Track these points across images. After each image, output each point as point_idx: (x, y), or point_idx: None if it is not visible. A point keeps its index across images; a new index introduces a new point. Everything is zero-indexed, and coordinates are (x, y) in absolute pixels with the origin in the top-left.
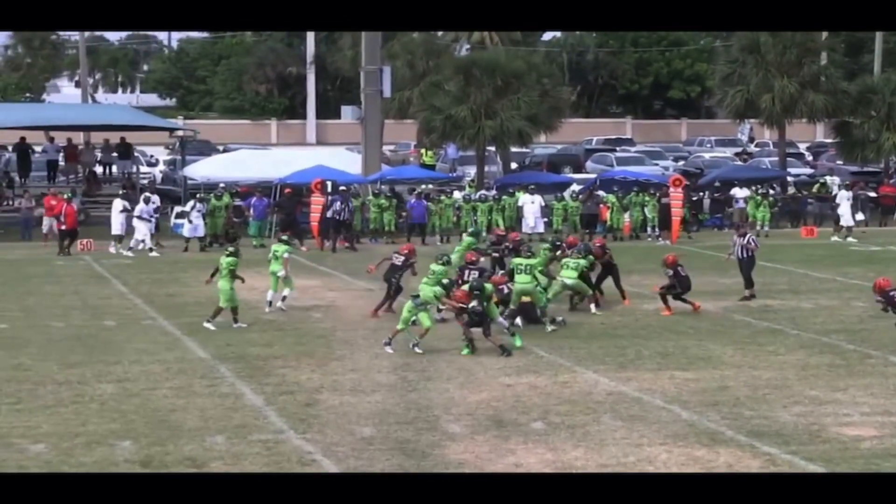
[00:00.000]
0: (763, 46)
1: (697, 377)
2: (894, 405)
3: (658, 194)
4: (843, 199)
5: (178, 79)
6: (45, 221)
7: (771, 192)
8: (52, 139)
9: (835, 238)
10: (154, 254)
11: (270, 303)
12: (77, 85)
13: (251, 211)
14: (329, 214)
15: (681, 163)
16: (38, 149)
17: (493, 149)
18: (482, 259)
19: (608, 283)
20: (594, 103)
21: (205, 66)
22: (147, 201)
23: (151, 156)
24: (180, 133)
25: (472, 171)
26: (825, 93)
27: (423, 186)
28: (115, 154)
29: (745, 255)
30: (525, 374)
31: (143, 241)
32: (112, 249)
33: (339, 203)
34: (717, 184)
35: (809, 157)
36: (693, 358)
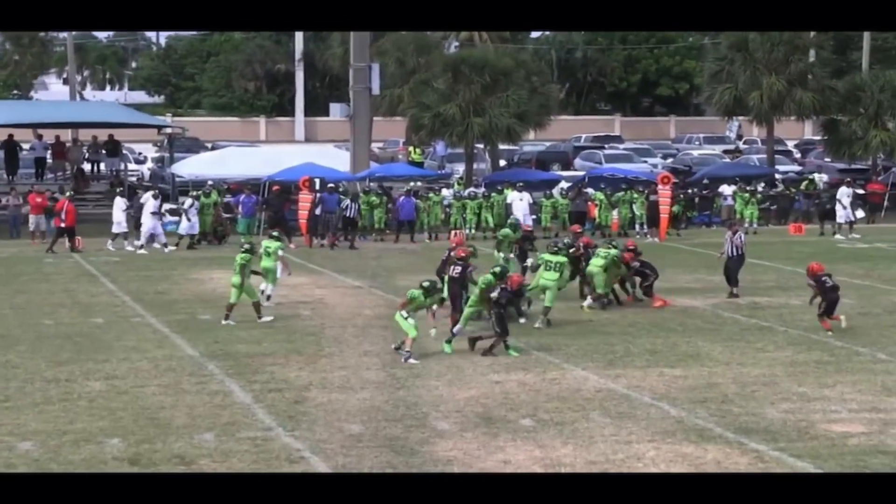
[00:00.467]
0: (751, 44)
1: (686, 374)
2: (882, 402)
3: (646, 192)
4: (844, 196)
5: (166, 76)
6: (32, 219)
7: (759, 189)
8: (40, 136)
9: (838, 235)
10: (143, 252)
11: (269, 297)
12: (65, 82)
13: (240, 208)
14: (320, 212)
15: (669, 160)
16: (25, 146)
17: (481, 146)
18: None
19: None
20: (583, 100)
21: (193, 64)
22: (156, 197)
23: (140, 153)
24: (168, 130)
25: (460, 168)
26: (813, 90)
27: (412, 184)
28: (103, 151)
29: (735, 253)
30: (514, 372)
31: (157, 235)
32: (111, 247)
33: (349, 202)
34: (705, 181)
35: (797, 155)
36: (682, 355)
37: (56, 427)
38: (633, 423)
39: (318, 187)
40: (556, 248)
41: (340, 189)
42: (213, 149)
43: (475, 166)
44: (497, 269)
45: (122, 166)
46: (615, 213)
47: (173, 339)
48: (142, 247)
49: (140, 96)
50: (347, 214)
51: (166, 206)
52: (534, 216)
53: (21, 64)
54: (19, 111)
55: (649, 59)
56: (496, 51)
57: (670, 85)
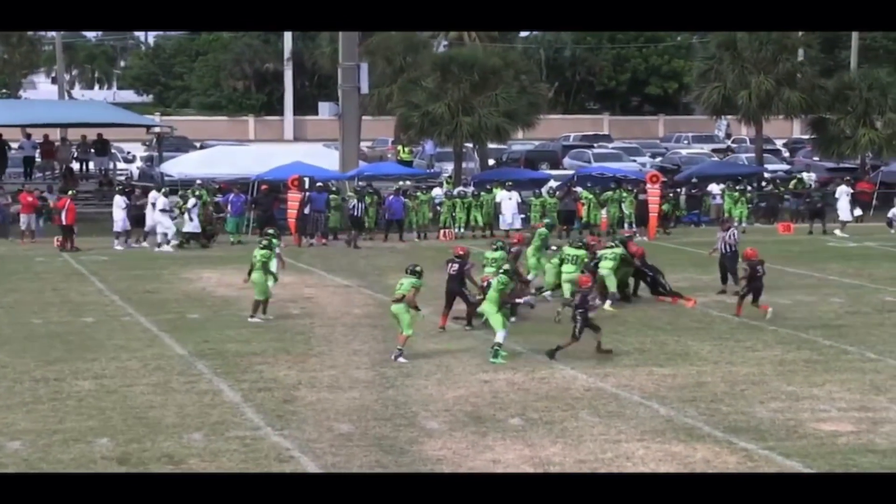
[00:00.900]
0: (740, 43)
1: (675, 373)
2: (871, 401)
3: (635, 190)
4: (843, 195)
5: (154, 75)
6: (23, 218)
7: (748, 188)
8: (28, 135)
9: (838, 232)
10: (144, 244)
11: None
12: (54, 81)
13: (229, 207)
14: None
15: (658, 159)
16: (14, 145)
17: (470, 145)
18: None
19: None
20: (571, 100)
21: (182, 63)
22: (167, 195)
23: (128, 152)
24: (157, 129)
25: (449, 167)
26: (801, 89)
27: (401, 183)
28: (91, 151)
29: (728, 250)
30: (503, 371)
31: (168, 233)
32: (118, 247)
33: (355, 201)
34: (694, 180)
35: (786, 154)
36: (671, 354)
37: (45, 426)
38: (622, 423)
39: (307, 186)
40: (579, 243)
41: (334, 188)
42: (201, 148)
43: (464, 165)
44: (506, 268)
45: (111, 165)
46: (604, 212)
47: (163, 338)
48: (159, 245)
49: (129, 95)
50: (354, 214)
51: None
52: (523, 215)
53: (9, 63)
54: (8, 110)
55: (638, 58)
56: (485, 50)
57: (659, 84)
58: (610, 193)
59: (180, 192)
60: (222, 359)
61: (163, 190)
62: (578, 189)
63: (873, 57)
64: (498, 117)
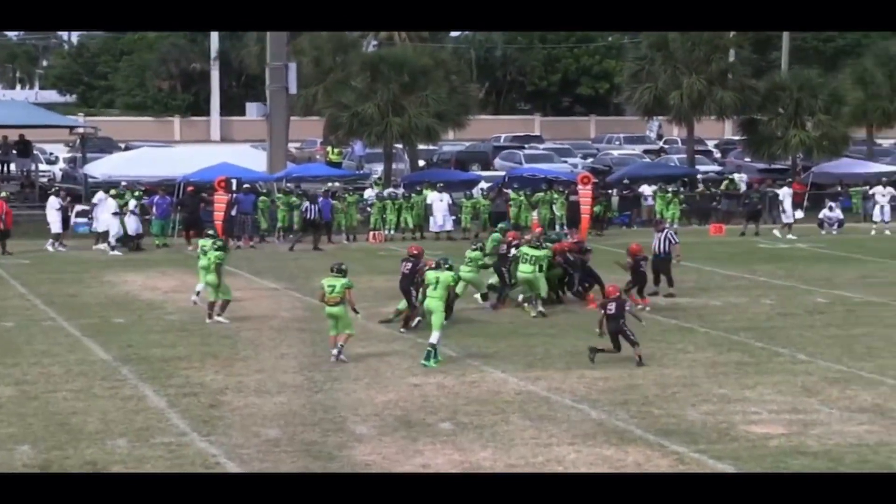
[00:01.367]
0: (671, 43)
1: (606, 376)
2: (802, 403)
3: (566, 192)
4: (786, 196)
5: (78, 75)
6: None
7: (680, 189)
8: None
9: (776, 233)
10: (116, 252)
11: (199, 293)
12: None
13: (154, 209)
14: (307, 215)
15: (589, 160)
16: None
17: (400, 146)
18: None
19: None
20: (502, 100)
21: (106, 62)
22: (115, 197)
23: (51, 153)
24: (81, 130)
25: (379, 168)
26: (733, 89)
27: (330, 185)
28: (13, 152)
29: (662, 252)
30: (433, 374)
31: (111, 236)
32: (50, 248)
33: (307, 203)
34: (625, 181)
35: (718, 155)
36: (602, 356)
37: None
38: (553, 426)
39: (234, 188)
40: (538, 243)
41: (263, 190)
42: (126, 149)
43: (394, 166)
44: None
45: (34, 167)
46: (535, 213)
47: (85, 342)
48: (113, 248)
49: (51, 95)
50: (308, 216)
51: (78, 207)
52: (454, 217)
53: None
54: None
55: (569, 58)
56: (415, 49)
57: (590, 84)
58: (541, 195)
59: (112, 192)
60: (147, 363)
61: (111, 192)
62: (509, 190)
63: (804, 57)
64: (428, 118)
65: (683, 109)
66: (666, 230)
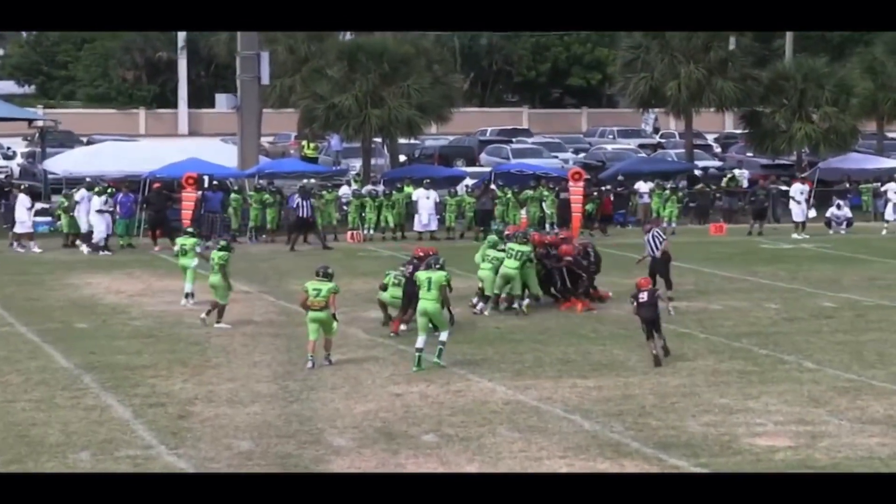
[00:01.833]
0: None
1: (600, 385)
2: (809, 414)
3: (557, 189)
4: (797, 194)
5: (37, 64)
6: None
7: (679, 186)
8: None
9: (795, 235)
10: (107, 253)
11: (192, 294)
12: None
13: (118, 208)
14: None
15: (581, 155)
16: None
17: (379, 140)
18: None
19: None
20: (488, 91)
21: (67, 51)
22: (100, 194)
23: (8, 148)
24: (40, 123)
25: (357, 164)
26: (734, 79)
27: (305, 181)
28: None
29: (654, 253)
30: (416, 383)
31: (99, 237)
32: (20, 249)
33: (299, 200)
34: (620, 177)
35: (718, 149)
36: (596, 364)
37: None
38: (543, 438)
39: (206, 185)
40: (524, 239)
41: (235, 187)
42: (88, 143)
43: (373, 162)
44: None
45: None
46: (523, 212)
47: (46, 349)
48: (103, 248)
49: (8, 86)
50: (300, 214)
51: (38, 205)
52: (438, 216)
53: None
54: None
55: (559, 46)
56: (395, 38)
57: (582, 74)
58: (530, 192)
59: (96, 189)
60: (111, 372)
61: (96, 189)
62: (496, 187)
63: (809, 45)
64: (409, 110)
65: (681, 101)
66: (653, 230)
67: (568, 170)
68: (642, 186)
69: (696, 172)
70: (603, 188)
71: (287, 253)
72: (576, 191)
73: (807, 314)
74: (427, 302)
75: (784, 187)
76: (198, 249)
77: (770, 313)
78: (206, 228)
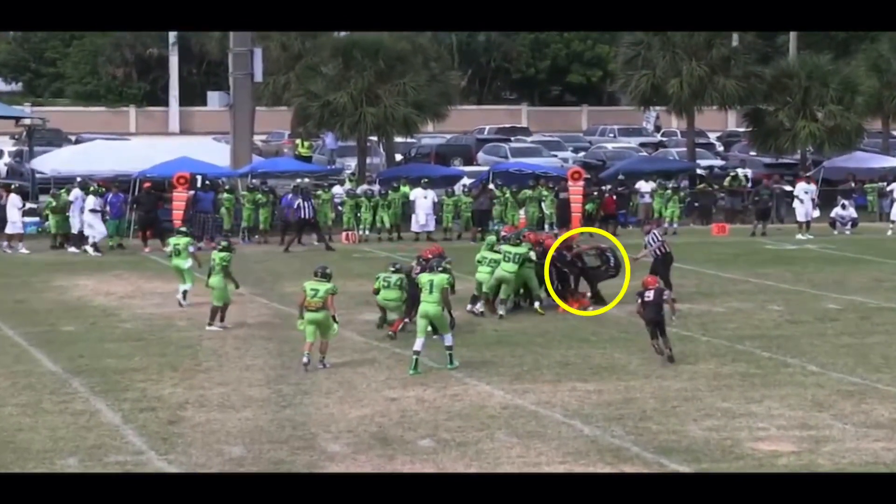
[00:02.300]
0: None
1: (600, 389)
2: (813, 418)
3: (556, 188)
4: (802, 192)
5: (24, 61)
6: None
7: (681, 185)
8: None
9: (799, 236)
10: (97, 254)
11: (185, 294)
12: None
13: (108, 208)
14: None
15: (581, 154)
16: None
17: (375, 139)
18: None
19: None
20: (486, 89)
21: (55, 48)
22: (97, 194)
23: None
24: (27, 122)
25: (352, 163)
26: (737, 77)
27: (299, 181)
28: None
29: (659, 254)
30: (412, 387)
31: (96, 236)
32: (8, 250)
33: (301, 201)
34: (620, 177)
35: (720, 148)
36: (596, 367)
37: None
38: (542, 443)
39: (199, 185)
40: (517, 240)
41: (227, 187)
42: (77, 142)
43: (368, 161)
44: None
45: None
46: (522, 212)
47: (33, 353)
48: (95, 247)
49: None
50: (302, 215)
51: (26, 205)
52: (435, 216)
53: None
54: None
55: (559, 43)
56: (390, 34)
57: (582, 72)
58: (528, 192)
59: (52, 192)
60: (100, 375)
61: (92, 189)
62: (494, 187)
63: (813, 42)
64: (405, 108)
65: (683, 99)
66: (652, 232)
67: (567, 169)
68: (643, 186)
69: (702, 172)
70: (603, 188)
71: (281, 254)
72: (575, 190)
73: (811, 316)
74: (429, 305)
75: (788, 187)
76: (191, 249)
77: (773, 315)
78: (197, 229)
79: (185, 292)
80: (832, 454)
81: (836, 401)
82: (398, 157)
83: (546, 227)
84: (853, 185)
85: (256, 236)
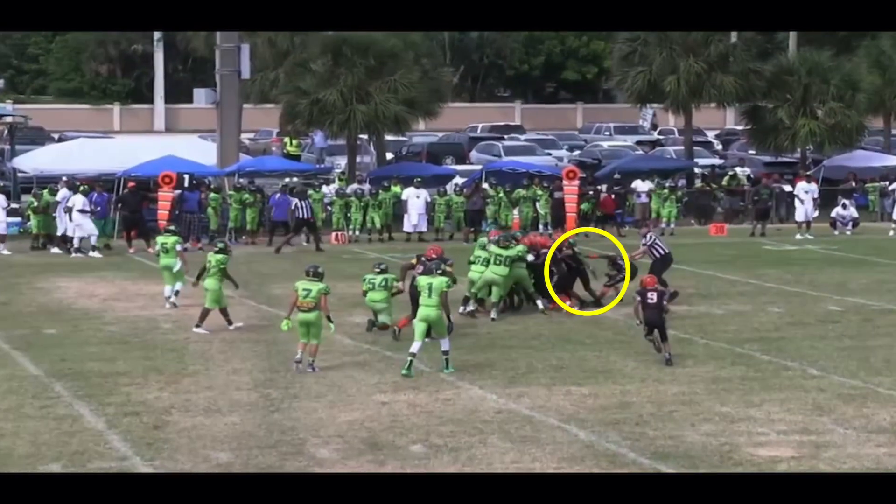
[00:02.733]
0: None
1: (596, 393)
2: (814, 422)
3: (551, 188)
4: (802, 192)
5: (6, 57)
6: None
7: (679, 184)
8: None
9: (798, 236)
10: (96, 254)
11: (169, 297)
12: None
13: (95, 208)
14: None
15: (576, 152)
16: None
17: (365, 137)
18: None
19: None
20: (479, 86)
21: (37, 44)
22: (86, 193)
23: None
24: (9, 119)
25: (342, 162)
26: (735, 74)
27: (288, 180)
28: None
29: (658, 254)
30: (403, 391)
31: (87, 237)
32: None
33: (297, 201)
34: (616, 176)
35: (719, 146)
36: (591, 371)
37: None
38: (537, 449)
39: (186, 184)
40: (507, 242)
41: (212, 186)
42: (60, 140)
43: (359, 160)
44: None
45: None
46: (516, 212)
47: (14, 356)
48: (78, 250)
49: None
50: (299, 215)
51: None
52: (427, 216)
53: None
54: None
55: (553, 39)
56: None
57: (577, 68)
58: (522, 191)
59: (33, 192)
60: (83, 379)
61: (82, 188)
62: (487, 186)
63: (814, 38)
64: (397, 106)
65: (680, 96)
66: (649, 233)
67: (562, 168)
68: (640, 185)
69: (704, 171)
70: (599, 187)
71: (268, 255)
72: (570, 190)
73: (812, 319)
74: (428, 308)
75: (787, 187)
76: (178, 248)
77: (773, 318)
78: (183, 229)
79: (177, 292)
80: (833, 459)
81: (838, 405)
82: (389, 155)
83: (540, 227)
84: (854, 184)
85: (244, 237)
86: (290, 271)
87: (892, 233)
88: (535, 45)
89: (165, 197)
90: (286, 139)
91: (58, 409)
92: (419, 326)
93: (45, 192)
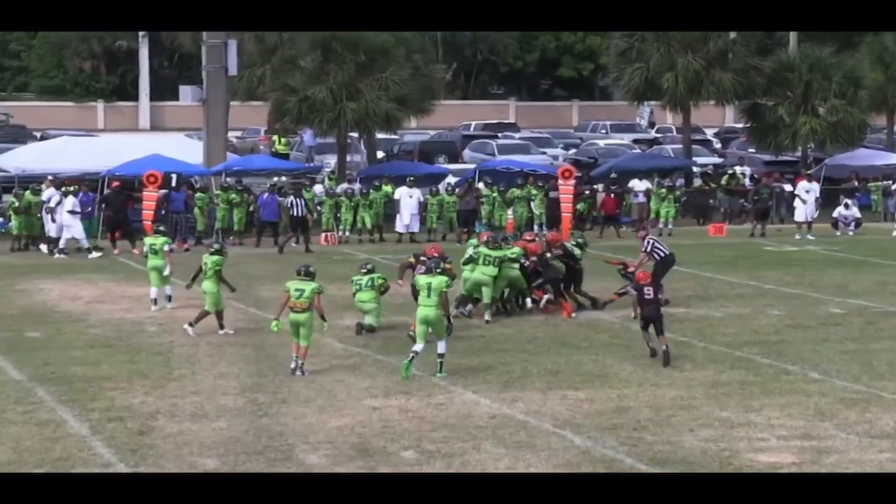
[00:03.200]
0: None
1: (592, 397)
2: (815, 427)
3: (546, 187)
4: (803, 192)
5: None
6: None
7: (677, 184)
8: None
9: (797, 236)
10: (95, 254)
11: (155, 301)
12: None
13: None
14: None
15: (572, 151)
16: None
17: (356, 135)
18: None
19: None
20: (472, 83)
21: (19, 40)
22: (76, 194)
23: None
24: None
25: (332, 160)
26: (734, 71)
27: (276, 179)
28: None
29: (658, 257)
30: (394, 396)
31: (78, 238)
32: None
33: (293, 199)
34: (613, 175)
35: (717, 145)
36: (588, 375)
37: None
38: (531, 454)
39: (173, 184)
40: (496, 244)
41: (199, 185)
42: (42, 138)
43: (349, 158)
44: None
45: None
46: (510, 212)
47: None
48: (62, 251)
49: None
50: (294, 214)
51: None
52: (420, 216)
53: None
54: None
55: (548, 35)
56: None
57: (572, 65)
58: (517, 191)
59: (72, 189)
60: (67, 384)
61: (73, 189)
62: (481, 185)
63: (815, 34)
64: (388, 103)
65: (678, 93)
66: (648, 237)
67: (558, 167)
68: (637, 185)
69: (706, 170)
70: (595, 186)
71: (256, 256)
72: (566, 189)
73: (813, 321)
74: (428, 309)
75: (788, 186)
76: (166, 248)
77: (773, 320)
78: (169, 230)
79: (169, 297)
80: (834, 465)
81: (840, 410)
82: (380, 154)
83: (535, 227)
84: (856, 183)
85: (231, 238)
86: (277, 273)
87: (895, 233)
88: (529, 42)
89: (150, 197)
90: (274, 137)
91: (40, 415)
92: (419, 328)
93: (27, 192)
